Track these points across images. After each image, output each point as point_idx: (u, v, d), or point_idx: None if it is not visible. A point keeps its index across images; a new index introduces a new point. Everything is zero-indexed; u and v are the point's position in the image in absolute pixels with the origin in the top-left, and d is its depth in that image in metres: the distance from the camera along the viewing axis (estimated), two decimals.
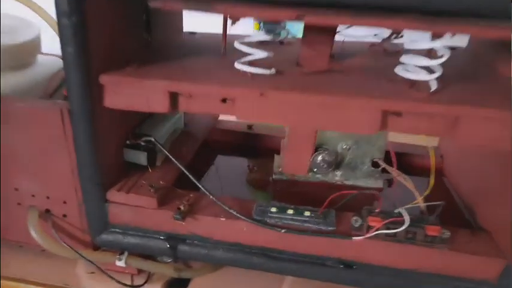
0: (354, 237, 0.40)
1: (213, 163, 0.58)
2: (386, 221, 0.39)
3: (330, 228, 0.41)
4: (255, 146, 0.62)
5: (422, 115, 0.35)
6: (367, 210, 0.41)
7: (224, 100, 0.38)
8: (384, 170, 0.50)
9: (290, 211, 0.43)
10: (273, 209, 0.43)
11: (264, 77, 0.38)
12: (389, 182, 0.54)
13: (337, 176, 0.53)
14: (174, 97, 0.38)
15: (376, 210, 0.41)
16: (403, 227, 0.39)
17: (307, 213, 0.42)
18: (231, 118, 0.73)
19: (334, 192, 0.52)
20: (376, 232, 0.39)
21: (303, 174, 0.51)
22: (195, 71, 0.39)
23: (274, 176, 0.54)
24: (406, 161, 0.57)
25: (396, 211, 0.40)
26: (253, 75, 0.38)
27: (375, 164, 0.52)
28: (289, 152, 0.48)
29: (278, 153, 0.53)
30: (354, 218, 0.41)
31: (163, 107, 0.38)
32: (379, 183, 0.52)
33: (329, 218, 0.42)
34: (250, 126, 0.63)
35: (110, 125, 0.42)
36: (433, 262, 0.40)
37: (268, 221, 0.42)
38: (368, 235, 0.39)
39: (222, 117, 0.66)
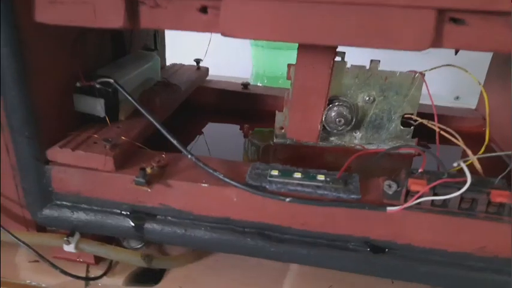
0: (388, 208, 0.28)
1: (201, 131, 0.46)
2: (435, 182, 0.27)
3: (353, 197, 0.30)
4: (251, 108, 0.50)
5: (495, 20, 0.24)
6: (405, 171, 0.30)
7: (204, 9, 0.26)
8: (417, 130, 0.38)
9: (297, 174, 0.31)
10: (274, 172, 0.31)
11: None
12: (424, 146, 0.42)
13: (357, 139, 0.41)
14: (132, 6, 0.27)
15: (419, 171, 0.29)
16: (462, 191, 0.27)
17: (320, 177, 0.31)
18: (222, 75, 0.62)
19: (357, 158, 0.41)
20: (420, 200, 0.28)
21: (312, 140, 0.40)
22: None
23: (275, 139, 0.42)
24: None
25: (447, 170, 0.28)
26: None
27: (406, 122, 0.40)
28: (295, 107, 0.36)
29: None
30: (387, 182, 0.30)
31: (117, 19, 0.27)
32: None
33: (351, 184, 0.31)
34: (245, 85, 0.51)
35: (49, 56, 0.31)
36: (500, 241, 0.29)
37: (267, 187, 0.30)
38: (408, 204, 0.28)
39: (212, 74, 0.54)
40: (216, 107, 0.51)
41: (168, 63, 0.54)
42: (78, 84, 0.34)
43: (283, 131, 0.42)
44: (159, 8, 0.27)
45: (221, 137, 0.45)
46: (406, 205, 0.28)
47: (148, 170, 0.31)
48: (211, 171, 0.31)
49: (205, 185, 0.31)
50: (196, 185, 0.31)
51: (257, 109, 0.50)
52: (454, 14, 0.24)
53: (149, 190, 0.30)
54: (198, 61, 0.52)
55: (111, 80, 0.34)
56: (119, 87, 0.34)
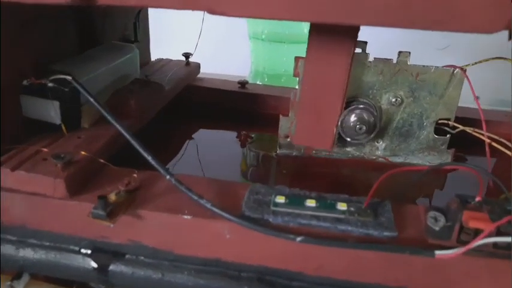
0: (437, 252, 0.21)
1: (191, 138, 0.39)
2: (504, 219, 0.20)
3: (387, 234, 0.22)
4: (249, 111, 0.43)
5: None
6: (458, 200, 0.22)
7: None
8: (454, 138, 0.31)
9: (310, 202, 0.23)
10: (280, 199, 0.23)
11: None
12: (461, 159, 0.34)
13: (380, 150, 0.33)
14: None
15: (477, 199, 0.22)
16: None
17: (341, 207, 0.23)
18: (216, 72, 0.54)
19: (375, 175, 0.33)
20: (482, 241, 0.20)
21: (326, 147, 0.32)
22: None
23: (279, 150, 0.34)
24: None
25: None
26: None
27: (440, 129, 0.33)
28: (304, 107, 0.29)
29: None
30: (432, 213, 0.22)
31: None
32: (444, 160, 0.33)
33: (383, 215, 0.23)
34: (243, 84, 0.44)
35: None
36: None
37: (270, 220, 0.23)
38: (468, 248, 0.20)
39: (204, 71, 0.47)
40: (209, 110, 0.43)
41: (154, 58, 0.47)
42: (25, 83, 0.26)
43: (288, 139, 0.34)
44: None
45: (214, 146, 0.37)
46: (465, 249, 0.20)
47: (112, 197, 0.23)
48: (196, 198, 0.23)
49: (188, 216, 0.23)
50: (176, 217, 0.23)
51: (257, 112, 0.43)
52: None
53: (112, 225, 0.22)
54: (187, 55, 0.45)
55: (69, 77, 0.26)
56: (78, 86, 0.26)
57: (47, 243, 0.25)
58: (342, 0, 0.18)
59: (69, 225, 0.25)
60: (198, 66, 0.46)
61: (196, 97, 0.44)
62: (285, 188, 0.25)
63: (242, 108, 0.43)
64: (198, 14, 0.42)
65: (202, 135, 0.40)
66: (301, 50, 0.53)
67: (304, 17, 0.20)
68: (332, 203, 0.23)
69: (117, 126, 0.25)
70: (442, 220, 0.22)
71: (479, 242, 0.20)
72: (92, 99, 0.26)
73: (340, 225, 0.22)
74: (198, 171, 0.33)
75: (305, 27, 0.56)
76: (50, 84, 0.26)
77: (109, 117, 0.25)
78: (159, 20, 0.54)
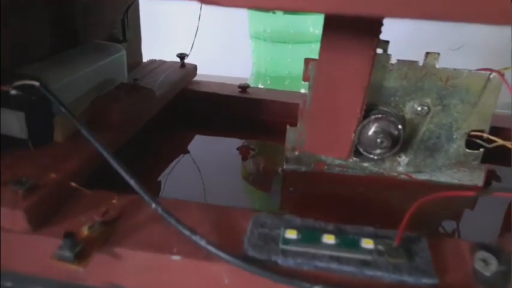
0: None
1: (185, 150, 0.34)
2: None
3: (425, 282, 0.18)
4: (251, 118, 0.38)
5: None
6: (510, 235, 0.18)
7: None
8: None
9: (328, 238, 0.19)
10: (291, 234, 0.19)
11: None
12: (493, 176, 0.30)
13: (402, 165, 0.29)
14: None
15: None
16: None
17: (367, 244, 0.19)
18: (214, 74, 0.50)
19: (396, 195, 0.29)
20: None
21: (342, 156, 0.28)
22: None
23: (285, 165, 0.30)
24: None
25: None
26: None
27: (471, 143, 0.28)
28: (316, 112, 0.25)
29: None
30: (480, 254, 0.18)
31: None
32: (476, 177, 0.29)
33: (419, 255, 0.19)
34: (243, 88, 0.39)
35: None
36: None
37: (279, 262, 0.18)
38: None
39: (200, 73, 0.42)
40: (206, 117, 0.39)
41: (147, 59, 0.42)
42: None
43: (296, 153, 0.30)
44: None
45: (211, 160, 0.33)
46: None
47: (84, 232, 0.19)
48: (188, 233, 0.19)
49: (178, 257, 0.19)
50: (163, 257, 0.19)
51: (259, 119, 0.38)
52: None
53: (82, 269, 0.18)
54: (182, 56, 0.40)
55: (36, 83, 0.22)
56: (47, 93, 0.22)
57: (9, 285, 0.21)
58: None
59: (33, 265, 0.20)
60: (194, 68, 0.41)
61: (192, 103, 0.39)
62: (296, 218, 0.20)
63: (243, 115, 0.38)
64: (195, 11, 0.38)
65: (199, 146, 0.35)
66: (307, 51, 0.49)
67: (315, 7, 0.16)
68: (355, 239, 0.19)
69: (93, 141, 0.21)
70: (493, 263, 0.18)
71: None
72: (62, 107, 0.21)
73: (367, 270, 0.18)
74: (193, 190, 0.29)
75: (311, 26, 0.51)
76: (14, 92, 0.21)
77: (83, 131, 0.21)
78: (152, 18, 0.50)
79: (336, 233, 0.19)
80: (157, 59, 0.43)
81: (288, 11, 0.16)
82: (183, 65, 0.40)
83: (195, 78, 0.42)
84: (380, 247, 0.19)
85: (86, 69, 0.27)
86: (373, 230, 0.20)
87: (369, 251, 0.18)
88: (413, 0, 0.14)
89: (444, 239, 0.20)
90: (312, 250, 0.18)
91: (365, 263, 0.18)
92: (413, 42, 0.49)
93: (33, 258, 0.20)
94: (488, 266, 0.17)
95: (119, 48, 0.31)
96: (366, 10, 0.15)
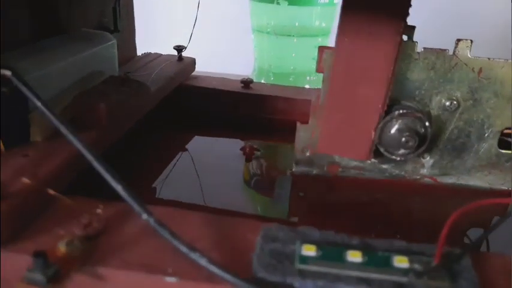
0: None
1: (183, 149, 0.31)
2: None
3: None
4: (255, 116, 0.35)
5: None
6: None
7: None
8: None
9: (354, 255, 0.16)
10: (309, 250, 0.16)
11: None
12: None
13: (426, 167, 0.26)
14: None
15: None
16: None
17: (401, 263, 0.16)
18: (214, 70, 0.46)
19: (420, 200, 0.26)
20: None
21: (362, 157, 0.25)
22: None
23: (295, 168, 0.27)
24: None
25: None
26: None
27: (505, 142, 0.25)
28: (331, 108, 0.22)
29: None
30: None
31: None
32: (509, 181, 0.26)
33: (462, 275, 0.15)
34: (246, 83, 0.36)
35: None
36: None
37: (297, 285, 0.15)
38: None
39: (199, 68, 0.39)
40: (206, 114, 0.36)
41: (142, 52, 0.39)
42: None
43: (307, 154, 0.26)
44: None
45: (212, 161, 0.30)
46: None
47: (61, 249, 0.16)
48: (185, 250, 0.15)
49: (173, 279, 0.15)
50: (155, 279, 0.16)
51: (264, 117, 0.35)
52: None
53: None
54: (179, 49, 0.37)
55: (8, 72, 0.19)
56: (20, 85, 0.19)
57: None
58: None
59: (3, 285, 0.17)
60: (192, 62, 0.38)
61: (191, 99, 0.36)
62: (314, 230, 0.17)
63: (246, 112, 0.35)
64: (194, 1, 0.35)
65: (198, 146, 0.32)
66: (313, 45, 0.45)
67: None
68: (386, 256, 0.16)
69: (73, 140, 0.18)
70: None
71: None
72: (38, 103, 0.18)
73: None
74: (192, 195, 0.26)
75: (317, 18, 0.48)
76: None
77: (62, 128, 0.18)
78: (147, 8, 0.47)
79: (363, 248, 0.16)
80: (153, 52, 0.40)
81: None
82: (180, 58, 0.37)
83: (193, 73, 0.39)
84: (417, 266, 0.15)
85: (68, 58, 0.24)
86: (406, 244, 0.17)
87: (403, 272, 0.15)
88: None
89: (489, 255, 0.17)
90: (335, 270, 0.15)
91: (400, 286, 0.15)
92: (422, 34, 0.46)
93: (8, 278, 0.17)
94: None
95: (109, 37, 0.28)
96: None
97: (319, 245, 0.16)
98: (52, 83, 0.22)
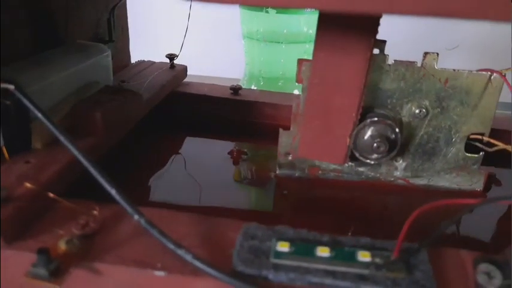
0: None
1: (175, 154, 0.33)
2: None
3: None
4: (243, 120, 0.37)
5: None
6: None
7: None
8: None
9: (323, 251, 0.18)
10: (282, 246, 0.18)
11: None
12: (493, 180, 0.29)
13: (399, 170, 0.28)
14: None
15: None
16: None
17: (364, 257, 0.18)
18: (204, 75, 0.48)
19: (393, 200, 0.28)
20: None
21: (338, 161, 0.27)
22: None
23: (278, 171, 0.29)
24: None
25: None
26: None
27: (471, 146, 0.27)
28: (310, 116, 0.24)
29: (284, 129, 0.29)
30: (483, 266, 0.17)
31: None
32: (476, 182, 0.28)
33: (419, 268, 0.17)
34: (235, 90, 0.38)
35: None
36: None
37: (271, 277, 0.17)
38: None
39: (191, 73, 0.41)
40: (196, 120, 0.38)
41: (135, 60, 0.41)
42: None
43: (290, 157, 0.28)
44: None
45: (202, 164, 0.32)
46: None
47: (62, 247, 0.17)
48: (172, 247, 0.17)
49: (162, 273, 0.17)
50: (146, 273, 0.17)
51: (252, 122, 0.37)
52: None
53: (57, 287, 0.17)
54: (171, 57, 0.39)
55: (11, 86, 0.20)
56: (22, 98, 0.20)
57: None
58: None
59: (6, 282, 0.19)
60: (184, 69, 0.40)
61: (182, 105, 0.38)
62: (289, 229, 0.19)
63: (235, 117, 0.37)
64: (185, 10, 0.37)
65: (189, 150, 0.34)
66: (301, 51, 0.47)
67: (309, 4, 0.14)
68: (351, 251, 0.18)
69: (70, 147, 0.19)
70: (497, 277, 0.16)
71: None
72: (38, 114, 0.20)
73: (364, 285, 0.17)
74: (184, 195, 0.28)
75: (305, 25, 0.50)
76: None
77: (60, 136, 0.20)
78: (141, 17, 0.49)
79: (331, 245, 0.18)
80: (145, 59, 0.41)
81: (281, 7, 0.15)
82: (172, 66, 0.39)
83: (185, 80, 0.41)
84: (377, 260, 0.17)
85: (66, 71, 0.25)
86: (371, 241, 0.19)
87: (365, 265, 0.17)
88: None
89: (445, 250, 0.19)
90: (305, 264, 0.17)
91: (362, 278, 0.17)
92: (407, 42, 0.48)
93: (5, 275, 0.19)
94: (491, 279, 0.16)
95: (103, 48, 0.30)
96: (363, 7, 0.13)
97: (292, 241, 0.18)
98: (51, 94, 0.24)
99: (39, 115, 0.21)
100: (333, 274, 0.17)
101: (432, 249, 0.19)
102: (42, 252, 0.16)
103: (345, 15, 0.14)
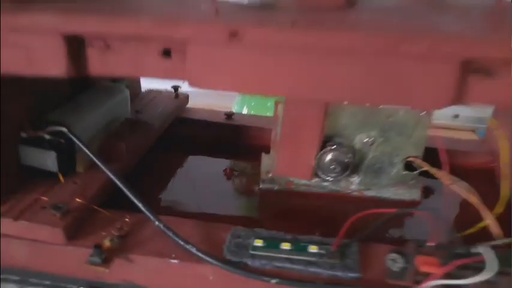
0: None
1: (181, 166, 0.41)
2: (450, 265, 0.23)
3: (351, 275, 0.25)
4: (236, 141, 0.45)
5: None
6: (414, 244, 0.25)
7: (167, 52, 0.21)
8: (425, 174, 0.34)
9: (285, 245, 0.26)
10: (258, 242, 0.26)
11: (237, 10, 0.21)
12: (428, 191, 0.37)
13: (354, 184, 0.36)
14: (77, 49, 0.22)
15: (429, 244, 0.24)
16: (487, 276, 0.22)
17: (313, 249, 0.26)
18: (201, 102, 0.56)
19: (350, 208, 0.36)
20: (431, 284, 0.23)
21: (306, 178, 0.35)
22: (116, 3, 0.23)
23: (261, 185, 0.37)
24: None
25: (471, 249, 0.23)
26: (219, 6, 0.21)
27: (409, 166, 0.35)
28: (284, 144, 0.32)
29: (268, 151, 0.37)
30: (392, 255, 0.25)
31: (57, 66, 0.21)
32: (414, 194, 0.36)
33: (350, 257, 0.26)
34: (229, 115, 0.46)
35: None
36: None
37: (249, 263, 0.25)
38: None
39: (192, 102, 0.49)
40: (196, 141, 0.45)
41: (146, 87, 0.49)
42: (24, 135, 0.28)
43: (270, 175, 0.37)
44: (112, 51, 0.22)
45: (202, 178, 0.40)
46: None
47: (107, 243, 0.26)
48: (182, 243, 0.25)
49: (175, 261, 0.26)
50: (163, 261, 0.26)
51: (242, 142, 0.45)
52: (480, 64, 0.19)
53: (107, 271, 0.25)
54: (176, 88, 0.47)
55: (64, 129, 0.29)
56: (73, 137, 0.29)
57: (47, 283, 0.28)
58: (310, 79, 0.20)
59: (67, 268, 0.27)
60: (186, 98, 0.48)
61: (184, 128, 0.46)
62: (264, 231, 0.27)
63: (228, 139, 0.45)
64: None
65: (190, 168, 0.42)
66: None
67: (275, 92, 0.23)
68: (305, 245, 0.26)
69: (111, 175, 0.28)
70: (400, 262, 0.25)
71: (428, 285, 0.22)
72: (86, 150, 0.28)
73: (311, 268, 0.25)
74: (186, 204, 0.35)
75: None
76: (47, 136, 0.28)
77: (102, 167, 0.28)
78: None
79: (292, 241, 0.26)
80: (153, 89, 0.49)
81: (256, 94, 0.23)
82: (177, 95, 0.47)
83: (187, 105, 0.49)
84: (322, 251, 0.26)
85: (97, 111, 0.33)
86: (320, 238, 0.27)
87: (313, 254, 0.25)
88: (346, 89, 0.20)
89: (370, 245, 0.27)
90: (272, 254, 0.25)
91: (310, 263, 0.25)
92: None
93: (66, 263, 0.27)
94: (396, 263, 0.24)
95: (123, 88, 0.38)
96: (311, 95, 0.21)
97: (265, 239, 0.26)
98: (89, 130, 0.32)
99: (84, 148, 0.29)
100: (290, 260, 0.25)
101: (362, 243, 0.27)
102: (97, 247, 0.24)
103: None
